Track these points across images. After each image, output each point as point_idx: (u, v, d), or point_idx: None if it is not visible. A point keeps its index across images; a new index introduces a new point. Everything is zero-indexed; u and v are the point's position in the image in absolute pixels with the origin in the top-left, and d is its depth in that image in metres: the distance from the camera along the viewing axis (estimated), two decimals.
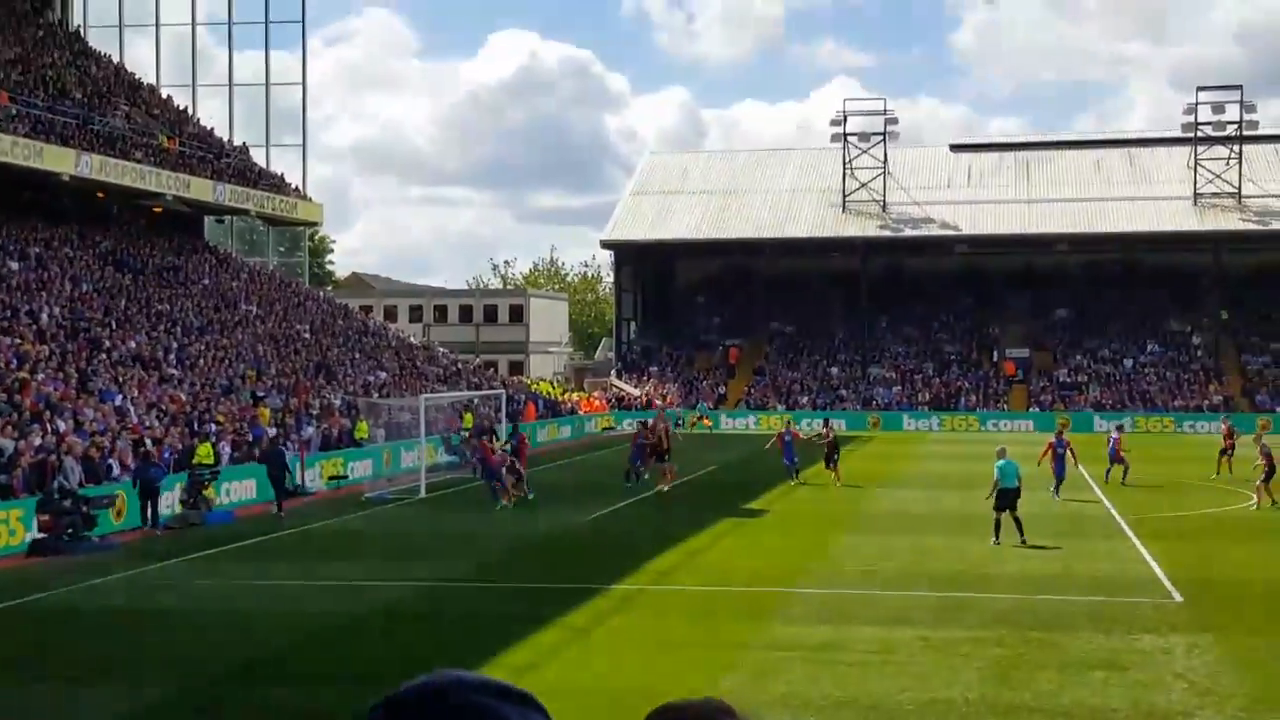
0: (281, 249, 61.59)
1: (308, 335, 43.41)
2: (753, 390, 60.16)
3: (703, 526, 24.00)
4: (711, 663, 13.36)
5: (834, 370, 61.61)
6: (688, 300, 69.65)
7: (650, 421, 32.83)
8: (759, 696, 11.97)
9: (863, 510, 26.56)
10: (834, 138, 63.78)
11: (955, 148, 69.35)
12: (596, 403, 58.06)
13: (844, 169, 63.41)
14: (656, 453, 30.48)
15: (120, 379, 30.81)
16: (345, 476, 32.16)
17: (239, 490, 28.00)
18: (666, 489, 29.45)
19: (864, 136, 63.53)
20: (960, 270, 66.05)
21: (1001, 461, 21.30)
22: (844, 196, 63.64)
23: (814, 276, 66.19)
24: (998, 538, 20.97)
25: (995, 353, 61.30)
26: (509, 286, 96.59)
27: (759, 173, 68.70)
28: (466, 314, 74.87)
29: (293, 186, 51.17)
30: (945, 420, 55.24)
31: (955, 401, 57.55)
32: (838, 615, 15.70)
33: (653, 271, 70.48)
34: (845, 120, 63.32)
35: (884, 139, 62.97)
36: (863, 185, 63.47)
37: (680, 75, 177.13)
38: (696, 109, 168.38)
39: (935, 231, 62.69)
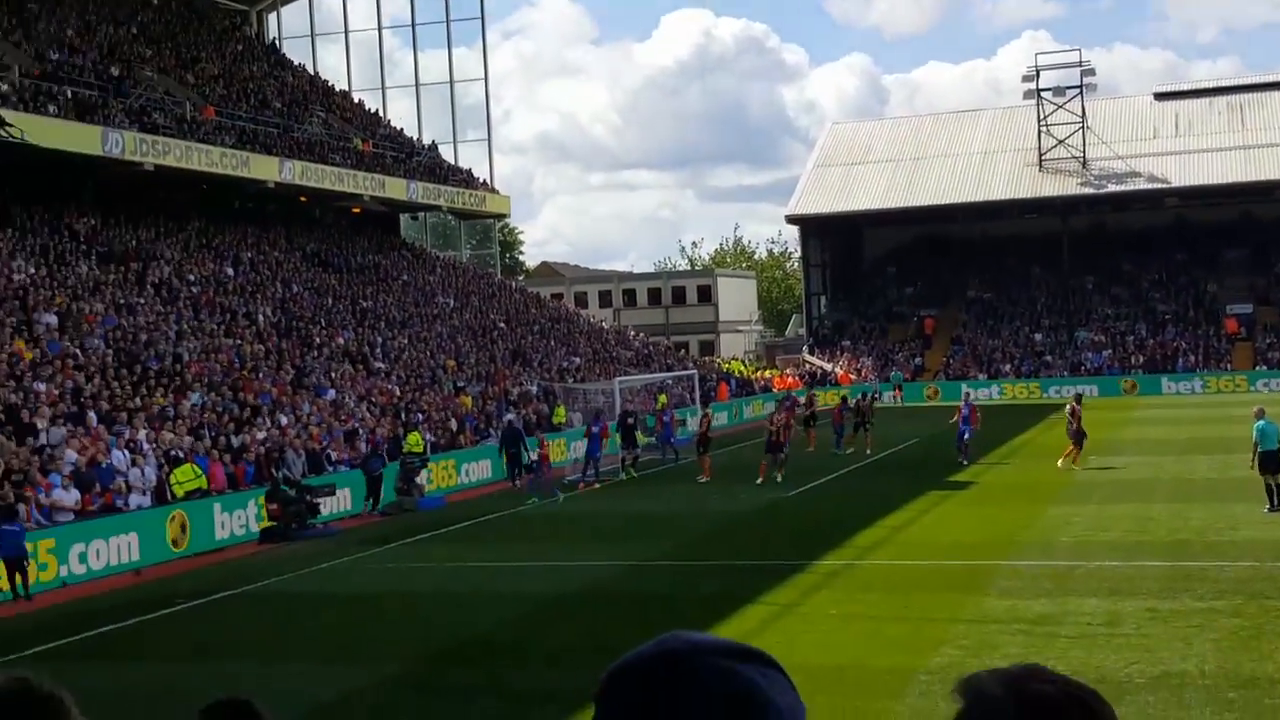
0: (473, 242, 63.42)
1: (503, 325, 44.56)
2: (951, 361, 58.40)
3: (907, 501, 23.41)
4: (924, 637, 12.97)
5: (1038, 336, 59.12)
6: (878, 271, 68.11)
7: (782, 405, 32.05)
8: (978, 669, 11.52)
9: (1075, 479, 25.35)
10: (1026, 94, 61.06)
11: (1160, 95, 65.32)
12: (790, 379, 57.57)
13: (1039, 126, 60.69)
14: (774, 446, 27.43)
15: (332, 374, 32.33)
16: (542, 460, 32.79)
17: (477, 470, 30.47)
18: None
19: (1059, 91, 60.60)
20: (1171, 225, 62.32)
21: (1261, 423, 19.50)
22: (1040, 155, 60.95)
23: (1011, 240, 63.67)
24: (1273, 503, 19.33)
25: (1215, 310, 57.65)
26: (696, 267, 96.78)
27: (947, 136, 66.46)
28: (655, 297, 75.32)
29: (480, 180, 52.53)
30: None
31: (1173, 363, 54.33)
32: (1055, 587, 15.00)
33: (841, 244, 69.21)
34: (1038, 75, 60.54)
35: (1081, 92, 59.98)
36: (1060, 142, 60.62)
37: (858, 42, 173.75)
38: (877, 76, 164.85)
39: (1142, 185, 59.37)
